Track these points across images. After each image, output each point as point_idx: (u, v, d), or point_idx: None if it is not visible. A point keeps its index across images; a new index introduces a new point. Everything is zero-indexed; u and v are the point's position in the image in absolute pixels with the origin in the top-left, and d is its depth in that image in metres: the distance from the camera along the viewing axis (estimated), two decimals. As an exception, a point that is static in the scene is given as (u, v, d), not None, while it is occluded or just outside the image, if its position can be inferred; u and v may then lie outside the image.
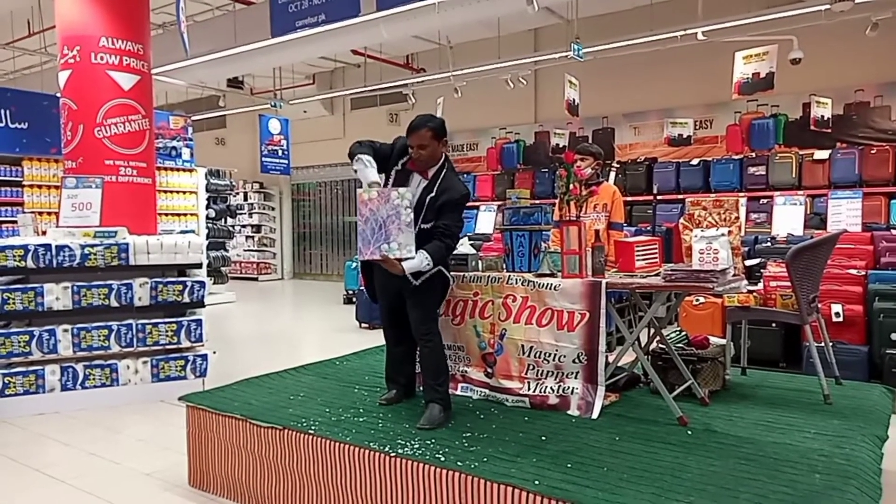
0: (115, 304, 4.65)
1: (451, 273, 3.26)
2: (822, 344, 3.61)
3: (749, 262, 5.12)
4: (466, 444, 2.58)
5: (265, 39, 7.11)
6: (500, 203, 9.84)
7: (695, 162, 8.55)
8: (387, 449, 2.53)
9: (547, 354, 3.04)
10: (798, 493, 2.11)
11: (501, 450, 2.51)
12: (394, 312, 3.17)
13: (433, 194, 2.97)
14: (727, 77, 7.24)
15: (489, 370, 3.23)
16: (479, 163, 11.06)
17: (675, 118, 9.05)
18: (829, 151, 7.63)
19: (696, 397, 3.10)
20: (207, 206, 10.53)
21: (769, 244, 6.27)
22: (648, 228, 7.35)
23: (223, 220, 11.15)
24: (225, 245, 11.14)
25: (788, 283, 3.45)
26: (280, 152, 11.56)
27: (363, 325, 7.84)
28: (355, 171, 3.00)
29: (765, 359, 4.84)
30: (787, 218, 7.24)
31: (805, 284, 3.37)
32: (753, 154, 8.19)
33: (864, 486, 2.18)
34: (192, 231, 9.21)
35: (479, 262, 3.39)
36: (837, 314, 4.74)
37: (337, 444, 2.64)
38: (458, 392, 3.30)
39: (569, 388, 2.99)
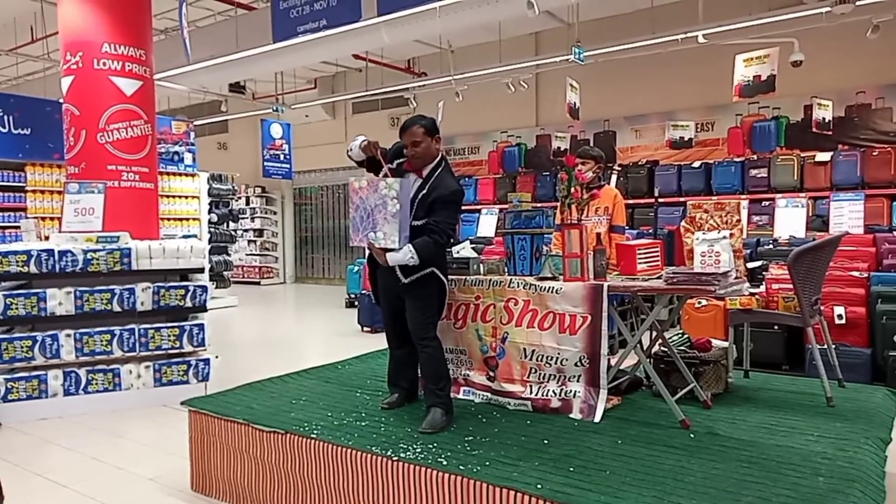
0: (117, 308, 4.66)
1: (453, 277, 3.27)
2: (825, 346, 3.60)
3: (751, 265, 5.11)
4: (468, 448, 2.58)
5: (267, 44, 7.13)
6: (501, 206, 9.85)
7: (696, 164, 8.55)
8: (389, 453, 2.53)
9: (549, 358, 3.04)
10: (801, 497, 2.10)
11: (504, 453, 2.51)
12: (395, 316, 3.17)
13: (425, 191, 2.98)
14: (728, 80, 7.24)
15: (491, 374, 3.23)
16: (480, 166, 11.07)
17: (677, 121, 9.05)
18: (831, 153, 7.63)
19: (698, 400, 3.09)
20: (210, 211, 10.54)
21: (771, 246, 6.27)
22: (650, 231, 7.35)
23: (225, 224, 11.17)
24: (227, 249, 11.16)
25: (791, 286, 3.44)
26: (282, 156, 11.59)
27: (365, 328, 7.84)
28: (349, 150, 3.12)
29: (767, 361, 4.83)
30: (789, 220, 7.23)
31: (807, 287, 3.37)
32: (755, 156, 8.18)
33: (868, 489, 2.18)
34: (195, 235, 9.25)
35: (481, 265, 3.39)
36: (840, 316, 4.73)
37: (339, 448, 2.64)
38: (461, 396, 3.30)
39: (571, 391, 2.99)
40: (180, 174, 9.86)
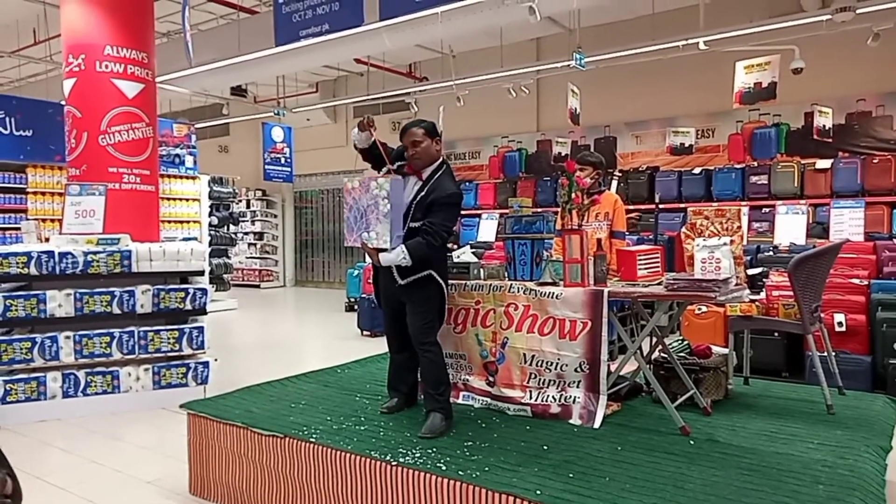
0: (117, 311, 4.65)
1: (453, 281, 3.27)
2: (825, 354, 3.60)
3: (751, 272, 5.10)
4: (468, 453, 2.58)
5: (269, 48, 7.14)
6: (502, 211, 9.85)
7: (697, 171, 8.56)
8: (388, 458, 2.52)
9: (549, 363, 3.04)
10: (801, 504, 2.10)
11: (503, 459, 2.51)
12: (396, 320, 3.17)
13: (423, 193, 2.99)
14: (729, 86, 7.25)
15: (491, 379, 3.23)
16: (481, 171, 11.08)
17: (677, 127, 9.06)
18: (831, 161, 7.63)
19: (698, 407, 3.09)
20: (210, 214, 10.54)
21: (771, 253, 6.27)
22: (650, 237, 7.35)
23: (226, 227, 11.17)
24: (227, 252, 11.15)
25: (791, 293, 3.44)
26: (283, 160, 11.60)
27: (365, 332, 7.83)
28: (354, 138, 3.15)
29: (767, 368, 4.82)
30: (790, 227, 7.23)
31: (808, 294, 3.37)
32: (755, 163, 8.19)
33: (868, 498, 2.17)
34: (195, 238, 9.24)
35: (481, 270, 3.39)
36: (840, 324, 4.73)
37: (338, 452, 2.64)
38: (460, 401, 3.29)
39: (571, 397, 2.98)
40: (181, 177, 9.86)
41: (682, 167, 8.84)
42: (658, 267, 3.21)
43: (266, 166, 11.35)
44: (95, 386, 4.62)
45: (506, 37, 9.19)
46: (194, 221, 10.07)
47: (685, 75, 8.73)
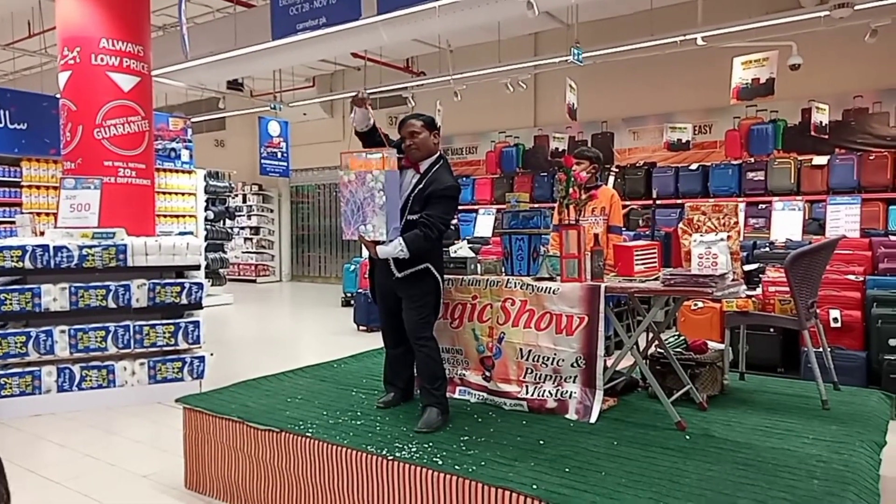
0: (112, 305, 4.64)
1: (450, 276, 3.27)
2: (821, 349, 3.61)
3: (747, 267, 5.12)
4: (464, 448, 2.58)
5: (265, 42, 7.11)
6: (498, 207, 9.85)
7: (694, 167, 8.56)
8: (384, 452, 2.52)
9: (545, 358, 3.04)
10: (796, 499, 2.10)
11: (499, 454, 2.51)
12: (392, 315, 3.16)
13: (421, 186, 2.98)
14: (726, 82, 7.25)
15: (487, 374, 3.23)
16: (478, 166, 11.07)
17: (675, 123, 9.06)
18: (828, 157, 7.65)
19: (694, 402, 3.09)
20: (206, 208, 10.52)
21: (767, 249, 6.28)
22: (647, 233, 7.36)
23: (222, 221, 11.15)
24: (223, 247, 11.13)
25: (787, 289, 3.45)
26: (279, 154, 11.56)
27: (361, 327, 7.83)
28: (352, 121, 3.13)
29: (763, 364, 4.84)
30: (786, 223, 7.25)
31: (804, 290, 3.37)
32: (752, 159, 8.20)
33: (863, 492, 2.18)
34: (191, 233, 9.22)
35: (478, 265, 3.39)
36: (836, 320, 4.74)
37: (334, 447, 2.63)
38: (456, 395, 3.29)
39: (567, 391, 2.98)
40: (177, 171, 9.84)
41: (679, 163, 8.84)
42: (655, 262, 3.21)
43: (262, 161, 11.31)
44: (90, 380, 4.60)
45: (503, 32, 9.17)
46: (190, 216, 10.04)
47: (682, 71, 8.73)
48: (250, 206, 14.92)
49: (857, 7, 6.24)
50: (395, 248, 2.88)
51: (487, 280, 3.22)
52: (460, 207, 10.46)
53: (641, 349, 3.43)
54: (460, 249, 3.47)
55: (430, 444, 2.62)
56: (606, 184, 7.28)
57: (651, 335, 3.41)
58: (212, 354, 5.02)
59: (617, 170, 9.17)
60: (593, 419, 2.88)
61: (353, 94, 3.08)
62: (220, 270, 10.85)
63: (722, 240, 3.01)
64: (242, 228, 14.78)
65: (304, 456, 2.73)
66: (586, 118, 9.44)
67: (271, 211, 15.17)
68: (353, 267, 9.49)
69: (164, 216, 9.36)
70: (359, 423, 2.91)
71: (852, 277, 4.97)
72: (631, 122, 9.64)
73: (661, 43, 7.52)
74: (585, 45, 7.76)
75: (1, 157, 8.35)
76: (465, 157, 11.34)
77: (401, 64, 11.25)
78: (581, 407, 2.93)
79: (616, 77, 9.26)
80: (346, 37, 7.64)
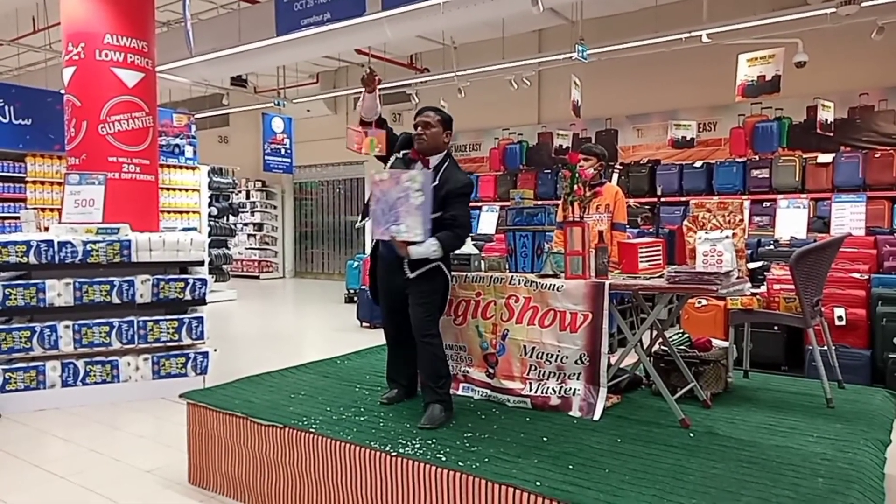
0: (116, 300, 4.65)
1: (454, 273, 3.26)
2: (825, 347, 3.60)
3: (752, 265, 5.10)
4: (468, 445, 2.57)
5: (270, 38, 7.11)
6: (502, 204, 9.83)
7: (698, 164, 8.54)
8: (388, 448, 2.52)
9: (549, 355, 3.03)
10: (801, 497, 2.09)
11: (503, 450, 2.51)
12: (395, 312, 3.14)
13: (437, 183, 2.93)
14: (731, 80, 7.22)
15: (491, 370, 3.22)
16: (481, 163, 11.05)
17: (679, 120, 9.04)
18: (833, 155, 7.62)
19: (698, 400, 3.08)
20: (210, 204, 10.53)
21: (772, 247, 6.26)
22: (650, 230, 7.34)
23: (225, 218, 11.15)
24: (227, 243, 11.14)
25: (792, 287, 3.44)
26: (283, 151, 11.57)
27: (364, 324, 7.83)
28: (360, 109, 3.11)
29: (767, 362, 4.83)
30: (791, 221, 7.22)
31: (809, 288, 3.36)
32: (757, 157, 8.17)
33: (868, 491, 2.17)
34: (195, 229, 9.23)
35: (482, 262, 3.38)
36: (840, 318, 4.73)
37: (338, 442, 2.64)
38: (460, 392, 3.29)
39: (571, 389, 2.98)
40: (181, 167, 9.85)
41: (684, 160, 8.82)
42: (659, 260, 3.20)
43: (266, 157, 11.32)
44: (95, 375, 4.62)
45: (507, 28, 9.15)
46: (194, 212, 10.06)
47: (687, 68, 8.69)
48: (254, 202, 14.93)
49: (863, 4, 6.20)
50: (429, 248, 2.85)
51: (491, 277, 3.21)
52: (466, 203, 10.46)
53: (645, 346, 3.42)
54: (464, 246, 3.46)
55: (434, 440, 2.62)
56: (610, 181, 7.27)
57: (655, 333, 3.40)
58: (215, 350, 5.03)
59: (621, 167, 9.15)
60: (597, 416, 2.87)
61: (362, 77, 3.06)
62: (224, 266, 10.87)
63: (727, 237, 3.01)
64: (246, 225, 14.80)
65: (307, 452, 2.73)
66: (590, 115, 9.42)
67: (275, 207, 15.18)
68: (356, 263, 9.49)
69: (168, 212, 9.37)
70: (362, 419, 2.91)
71: (857, 275, 4.95)
72: (635, 120, 9.61)
73: (665, 40, 7.49)
74: (590, 41, 7.74)
75: (6, 152, 8.38)
76: (469, 154, 11.33)
77: (405, 60, 11.23)
78: (585, 404, 2.93)
79: (620, 74, 9.23)
80: (350, 33, 7.62)
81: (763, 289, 4.66)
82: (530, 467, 2.33)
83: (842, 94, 7.87)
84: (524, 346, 3.10)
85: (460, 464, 2.36)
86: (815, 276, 3.41)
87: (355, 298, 8.53)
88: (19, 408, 4.39)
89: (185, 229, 7.89)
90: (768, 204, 7.74)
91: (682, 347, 3.46)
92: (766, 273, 5.05)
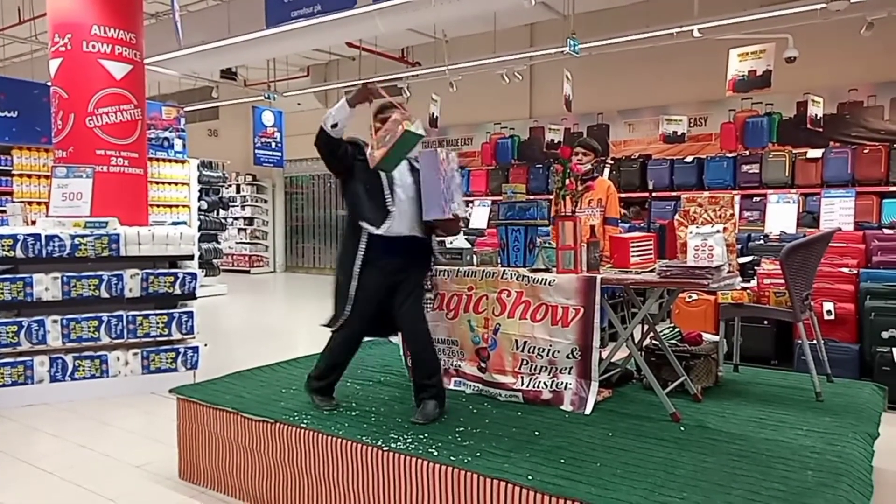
0: (105, 295, 4.61)
1: (446, 267, 3.27)
2: (815, 342, 3.62)
3: (742, 260, 5.12)
4: (459, 439, 2.57)
5: (259, 30, 7.05)
6: (494, 198, 9.83)
7: (689, 159, 8.56)
8: (379, 443, 2.51)
9: (541, 350, 3.03)
10: (790, 490, 2.11)
11: (494, 445, 2.51)
12: (373, 317, 2.99)
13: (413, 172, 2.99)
14: (722, 75, 7.25)
15: (483, 365, 3.22)
16: (473, 157, 11.04)
17: (670, 115, 9.06)
18: (823, 150, 7.66)
19: (688, 394, 3.10)
20: (199, 198, 10.45)
21: (762, 242, 6.29)
22: (642, 224, 7.36)
23: (215, 212, 11.08)
24: (217, 237, 11.07)
25: (782, 281, 3.45)
26: (273, 145, 11.50)
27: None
28: (335, 126, 2.95)
29: (757, 356, 4.86)
30: (780, 216, 7.26)
31: (799, 282, 3.38)
32: (747, 152, 8.21)
33: (856, 483, 2.19)
34: (184, 223, 9.15)
35: (474, 256, 3.38)
36: (829, 312, 4.76)
37: (329, 437, 2.63)
38: (451, 386, 3.29)
39: (562, 383, 2.98)
40: (170, 160, 9.76)
41: (675, 155, 8.84)
42: (651, 254, 3.21)
43: (256, 151, 11.25)
44: (83, 370, 4.58)
45: (499, 22, 9.12)
46: (183, 206, 9.98)
47: (679, 63, 8.71)
48: (244, 196, 14.85)
49: (853, 0, 6.23)
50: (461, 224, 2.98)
51: (483, 271, 3.21)
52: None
53: (636, 341, 3.43)
54: (456, 240, 3.45)
55: (426, 434, 2.61)
56: (602, 175, 7.27)
57: (646, 327, 3.41)
58: (205, 345, 5.00)
59: (612, 162, 9.17)
60: (588, 410, 2.88)
61: (353, 85, 3.03)
62: (214, 261, 10.80)
63: (718, 231, 3.01)
64: (236, 219, 14.72)
65: (298, 447, 2.72)
66: (582, 110, 9.43)
67: (265, 201, 15.10)
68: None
69: (158, 206, 9.30)
70: (353, 413, 2.90)
71: (846, 270, 4.98)
72: (626, 114, 9.62)
73: (657, 35, 7.50)
74: (581, 36, 7.73)
75: (-8, 145, 8.29)
76: (461, 149, 11.30)
77: (396, 54, 11.18)
78: (576, 398, 2.94)
79: (612, 69, 9.24)
80: (341, 26, 7.58)
81: (753, 283, 4.69)
82: (522, 461, 2.34)
83: (831, 89, 7.91)
84: (516, 341, 3.10)
85: (452, 458, 2.36)
86: (804, 271, 3.43)
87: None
88: (7, 403, 4.35)
89: (174, 223, 7.82)
90: (758, 199, 7.78)
91: (672, 342, 3.48)
92: (756, 268, 5.08)
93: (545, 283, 3.00)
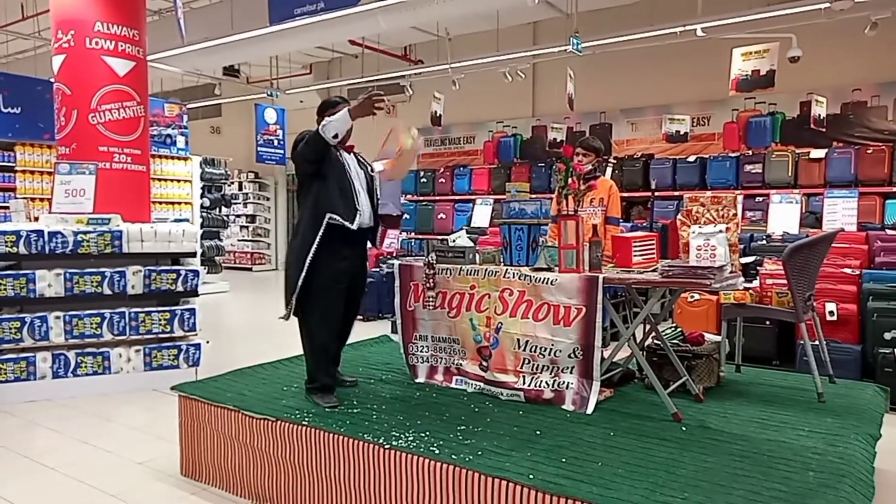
0: (107, 291, 4.61)
1: (448, 265, 3.30)
2: (817, 342, 3.62)
3: (744, 260, 5.12)
4: (461, 438, 2.57)
5: (262, 27, 7.05)
6: (496, 197, 9.82)
7: (692, 159, 8.54)
8: (381, 441, 2.52)
9: (543, 349, 3.03)
10: (792, 491, 2.11)
11: (496, 443, 2.51)
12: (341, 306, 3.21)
13: (369, 168, 3.26)
14: (726, 74, 7.23)
15: (484, 364, 3.22)
16: (475, 156, 11.03)
17: (673, 115, 9.04)
18: (826, 150, 7.64)
19: (690, 394, 3.10)
20: (202, 195, 10.46)
21: (765, 242, 6.28)
22: (644, 224, 7.35)
23: (217, 209, 11.09)
24: (219, 234, 11.08)
25: (784, 281, 3.45)
26: (276, 142, 11.50)
27: (357, 316, 7.80)
28: (336, 136, 2.98)
29: (759, 356, 4.86)
30: (783, 216, 7.25)
31: (801, 283, 3.38)
32: (750, 152, 8.18)
33: (858, 485, 2.19)
34: (187, 220, 9.17)
35: (477, 254, 3.38)
36: (832, 313, 4.76)
37: (330, 435, 2.63)
38: (453, 385, 3.29)
39: (564, 382, 2.98)
40: (173, 157, 9.77)
41: (677, 155, 8.82)
42: (653, 254, 3.21)
43: (259, 148, 11.25)
44: (86, 367, 4.59)
45: (502, 20, 9.10)
46: (186, 203, 9.99)
47: (682, 62, 8.69)
48: (246, 193, 14.86)
49: (857, 0, 6.22)
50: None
51: (486, 270, 3.21)
52: (457, 197, 10.49)
53: (638, 340, 3.42)
54: (459, 239, 3.46)
55: (427, 433, 2.61)
56: (604, 175, 7.27)
57: (648, 327, 3.41)
58: (207, 342, 5.01)
59: (615, 161, 9.15)
60: (590, 410, 2.88)
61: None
62: (216, 258, 10.81)
63: (721, 231, 3.01)
64: (238, 216, 14.73)
65: (300, 444, 2.72)
66: (584, 109, 9.41)
67: (267, 199, 15.11)
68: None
69: (160, 203, 9.31)
70: (355, 411, 2.90)
71: (849, 271, 4.98)
72: (629, 114, 9.60)
73: (660, 34, 7.48)
74: (585, 34, 7.72)
75: (-5, 141, 8.29)
76: (463, 147, 11.30)
77: (399, 52, 11.17)
78: (578, 398, 2.94)
79: (615, 68, 9.22)
80: (344, 23, 7.57)
81: (756, 283, 4.69)
82: (524, 460, 2.34)
83: (835, 89, 7.89)
84: (518, 340, 3.10)
85: (454, 457, 2.36)
86: (807, 272, 3.43)
87: (348, 291, 8.49)
88: (10, 399, 4.36)
89: (176, 220, 7.83)
90: (761, 199, 7.77)
91: (674, 342, 3.48)
92: (758, 268, 5.07)
93: (547, 283, 3.00)
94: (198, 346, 4.91)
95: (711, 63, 7.99)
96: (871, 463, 2.45)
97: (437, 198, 10.74)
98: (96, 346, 4.65)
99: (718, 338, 3.57)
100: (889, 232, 5.77)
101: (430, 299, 3.31)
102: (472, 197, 10.33)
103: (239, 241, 14.76)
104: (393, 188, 3.17)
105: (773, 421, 2.81)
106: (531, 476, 2.20)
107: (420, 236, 10.54)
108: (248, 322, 8.25)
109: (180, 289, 4.85)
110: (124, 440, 3.75)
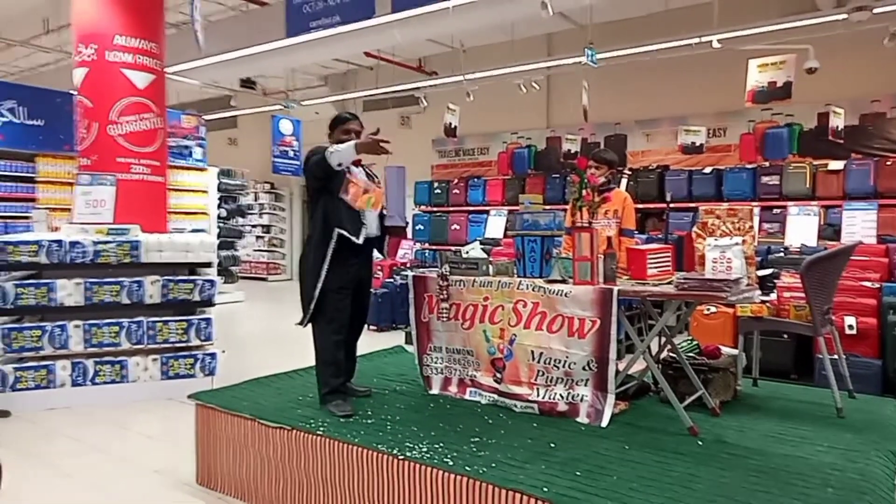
0: (126, 301, 4.67)
1: (462, 277, 3.30)
2: (836, 356, 3.57)
3: (761, 273, 5.08)
4: (475, 449, 2.57)
5: (279, 40, 7.14)
6: (510, 208, 9.82)
7: (707, 170, 8.49)
8: (395, 451, 2.52)
9: (557, 361, 3.02)
10: (810, 507, 2.08)
11: (510, 456, 2.50)
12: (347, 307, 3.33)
13: (376, 180, 3.34)
14: (742, 85, 7.19)
15: (498, 375, 3.22)
16: (489, 167, 11.04)
17: (689, 126, 8.99)
18: (844, 162, 7.56)
19: (706, 407, 3.07)
20: (218, 206, 10.58)
21: (782, 254, 6.22)
22: (659, 236, 7.31)
23: (234, 219, 11.20)
24: (235, 245, 11.19)
25: (802, 294, 3.42)
26: (291, 153, 11.59)
27: (371, 327, 7.83)
28: (339, 165, 3.09)
29: (776, 370, 4.79)
30: (801, 228, 7.17)
31: (819, 296, 3.34)
32: (767, 163, 8.12)
33: (878, 502, 2.16)
34: (203, 230, 9.25)
35: (490, 266, 3.38)
36: (851, 327, 4.69)
37: (345, 445, 2.64)
38: (467, 397, 3.29)
39: (578, 395, 2.97)
40: (190, 168, 9.89)
41: (693, 166, 8.78)
42: (668, 266, 3.19)
43: (274, 159, 11.35)
44: (104, 375, 4.64)
45: (517, 32, 9.15)
46: (202, 213, 10.10)
47: (697, 73, 8.67)
48: (262, 204, 14.98)
49: (875, 10, 6.17)
50: None
51: (499, 281, 3.21)
52: (471, 209, 10.51)
53: (653, 353, 3.40)
54: (472, 250, 3.48)
55: (441, 444, 2.61)
56: (619, 186, 7.25)
57: (663, 339, 3.39)
58: (223, 351, 5.05)
59: (630, 172, 9.12)
60: (604, 423, 2.86)
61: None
62: (232, 268, 10.91)
63: (737, 244, 2.99)
64: (254, 227, 14.85)
65: (314, 454, 2.73)
66: (599, 120, 9.40)
67: (283, 209, 15.23)
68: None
69: (177, 213, 9.40)
70: (369, 421, 2.91)
71: (868, 284, 4.91)
72: (644, 125, 9.58)
73: (676, 45, 7.47)
74: (599, 46, 7.73)
75: (17, 152, 8.43)
76: (477, 158, 11.32)
77: (413, 64, 11.25)
78: (592, 410, 2.92)
79: (630, 79, 9.21)
80: (360, 36, 7.63)
81: (773, 296, 4.64)
82: (538, 473, 2.33)
83: (853, 100, 7.82)
84: (532, 352, 3.09)
85: (467, 468, 2.36)
86: (825, 285, 3.39)
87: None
88: (29, 406, 4.42)
89: (193, 231, 7.92)
90: (778, 211, 7.69)
91: (690, 354, 3.45)
92: (775, 280, 5.02)
93: (561, 295, 3.00)
94: (213, 356, 4.95)
95: (727, 74, 7.96)
96: (891, 480, 2.41)
97: (452, 209, 10.76)
98: (114, 354, 4.71)
99: (735, 351, 3.54)
100: (909, 244, 5.69)
101: (444, 311, 3.32)
102: (487, 208, 10.33)
103: (255, 251, 14.87)
104: (398, 201, 3.30)
105: (790, 436, 2.78)
106: (545, 489, 2.19)
107: (434, 247, 10.55)
108: (264, 332, 8.30)
109: (197, 298, 4.90)
110: (141, 448, 3.78)
